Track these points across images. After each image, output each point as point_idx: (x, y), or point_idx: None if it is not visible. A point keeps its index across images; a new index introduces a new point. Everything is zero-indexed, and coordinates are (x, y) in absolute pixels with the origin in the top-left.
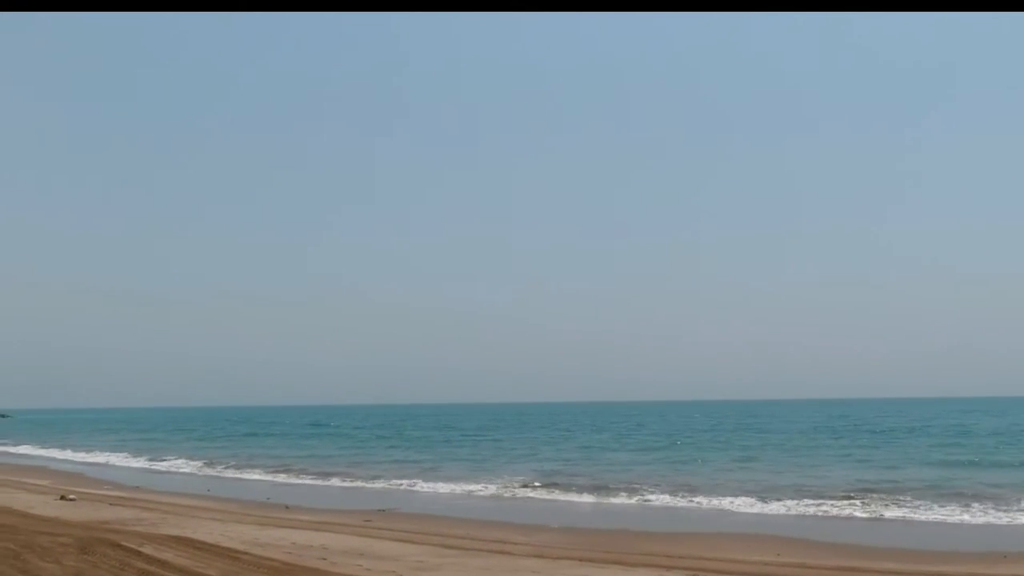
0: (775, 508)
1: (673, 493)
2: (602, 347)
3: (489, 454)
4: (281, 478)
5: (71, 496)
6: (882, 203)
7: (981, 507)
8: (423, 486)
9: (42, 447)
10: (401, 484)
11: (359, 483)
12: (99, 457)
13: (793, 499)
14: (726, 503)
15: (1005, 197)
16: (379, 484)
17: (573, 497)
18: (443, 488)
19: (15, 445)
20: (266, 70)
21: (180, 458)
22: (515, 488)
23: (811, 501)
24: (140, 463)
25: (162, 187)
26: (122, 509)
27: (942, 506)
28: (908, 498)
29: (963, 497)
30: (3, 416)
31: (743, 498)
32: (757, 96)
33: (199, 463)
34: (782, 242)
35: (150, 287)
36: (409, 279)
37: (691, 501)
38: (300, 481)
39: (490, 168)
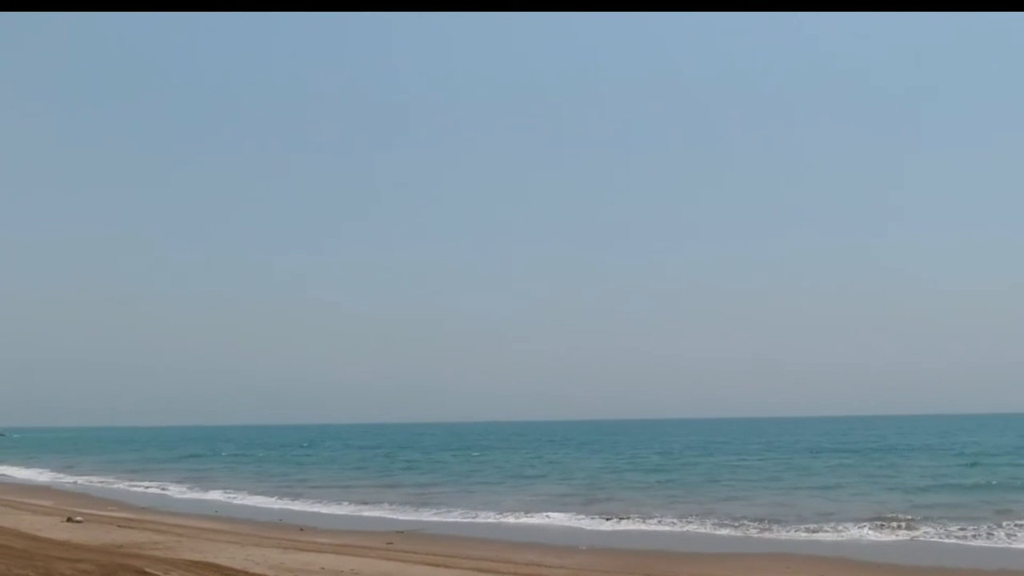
0: (808, 531)
1: (695, 516)
2: (595, 364)
3: (497, 475)
4: (282, 500)
5: (78, 518)
6: (882, 217)
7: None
8: (435, 506)
9: (35, 467)
10: (411, 504)
11: (366, 505)
12: (98, 478)
13: (823, 521)
14: (756, 526)
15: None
16: (387, 505)
17: (594, 521)
18: (458, 508)
19: (8, 465)
20: (265, 78)
21: (173, 478)
22: (532, 511)
23: (842, 523)
24: (134, 484)
25: (159, 200)
26: (133, 532)
27: (979, 527)
28: (942, 519)
29: (1001, 519)
30: None
31: (772, 521)
32: (759, 103)
33: (192, 484)
34: (780, 255)
35: (140, 300)
36: (396, 293)
37: (720, 523)
38: (305, 503)
39: (486, 177)
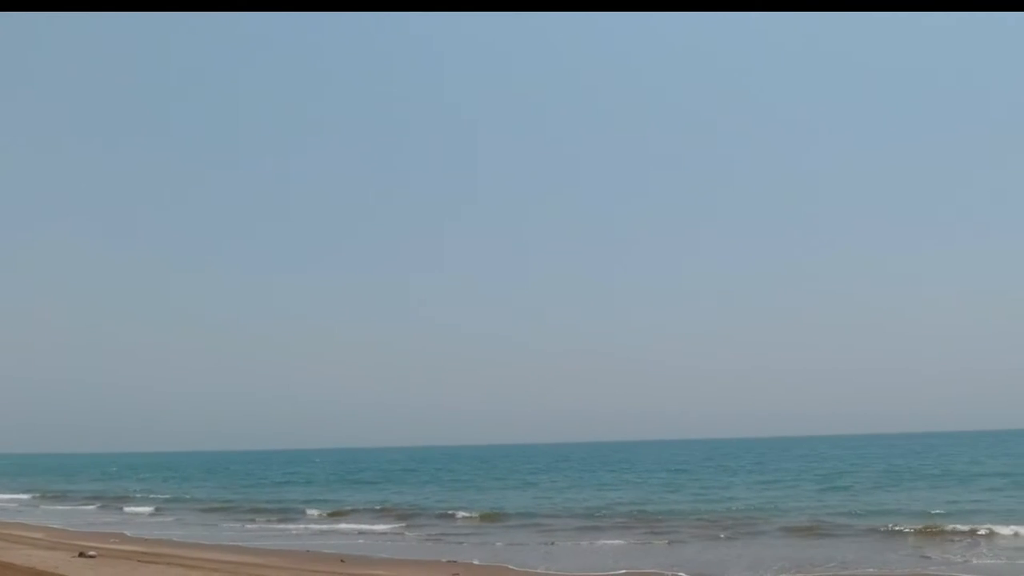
0: None
1: None
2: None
3: (526, 491)
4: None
5: (91, 552)
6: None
7: None
8: (475, 533)
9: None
10: (452, 530)
11: (388, 526)
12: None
13: None
14: None
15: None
16: (419, 531)
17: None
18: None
19: None
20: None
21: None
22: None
23: None
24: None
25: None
26: (159, 567)
27: None
28: None
29: None
30: None
31: None
32: (763, 105)
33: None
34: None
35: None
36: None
37: None
38: (322, 526)
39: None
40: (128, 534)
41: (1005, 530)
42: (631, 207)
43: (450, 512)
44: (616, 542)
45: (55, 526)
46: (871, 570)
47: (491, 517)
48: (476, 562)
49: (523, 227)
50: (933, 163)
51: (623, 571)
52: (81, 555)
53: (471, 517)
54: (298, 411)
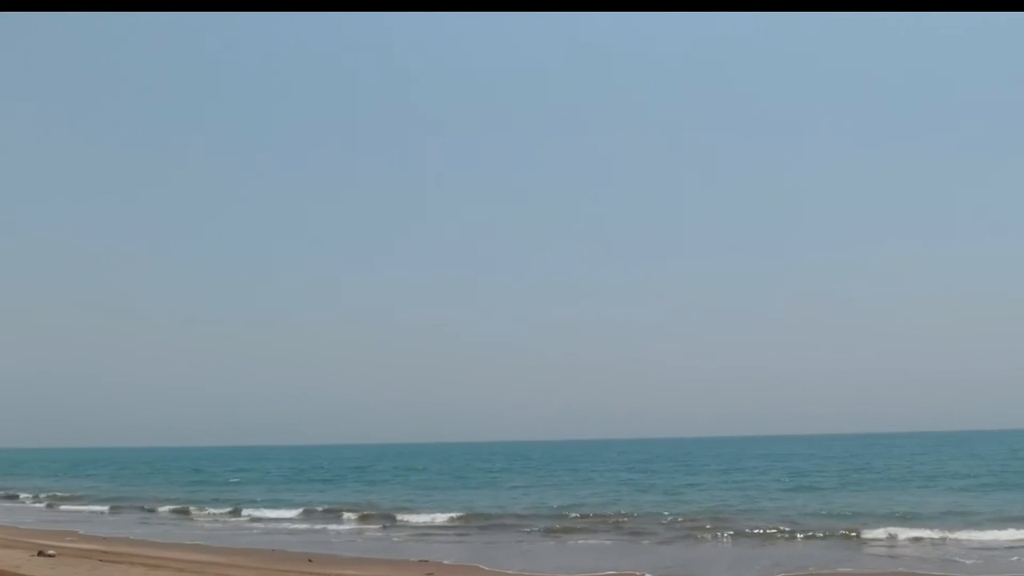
0: None
1: None
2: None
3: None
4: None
5: (50, 551)
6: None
7: None
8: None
9: None
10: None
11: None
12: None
13: None
14: None
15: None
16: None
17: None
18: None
19: None
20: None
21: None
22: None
23: None
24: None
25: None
26: (123, 567)
27: None
28: None
29: None
30: None
31: None
32: (755, 104)
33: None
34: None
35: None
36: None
37: None
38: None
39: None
40: (81, 532)
41: (973, 532)
42: (629, 207)
43: (418, 511)
44: (591, 542)
45: (5, 523)
46: (849, 569)
47: (461, 516)
48: (447, 561)
49: (521, 226)
50: (933, 163)
51: (610, 572)
52: (40, 554)
53: (440, 516)
54: (297, 408)
